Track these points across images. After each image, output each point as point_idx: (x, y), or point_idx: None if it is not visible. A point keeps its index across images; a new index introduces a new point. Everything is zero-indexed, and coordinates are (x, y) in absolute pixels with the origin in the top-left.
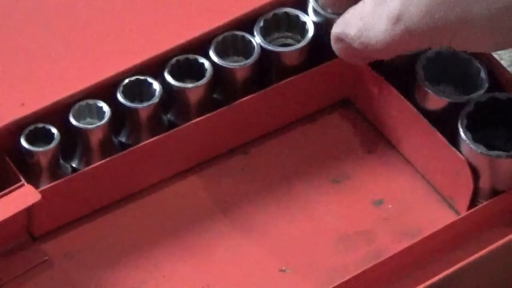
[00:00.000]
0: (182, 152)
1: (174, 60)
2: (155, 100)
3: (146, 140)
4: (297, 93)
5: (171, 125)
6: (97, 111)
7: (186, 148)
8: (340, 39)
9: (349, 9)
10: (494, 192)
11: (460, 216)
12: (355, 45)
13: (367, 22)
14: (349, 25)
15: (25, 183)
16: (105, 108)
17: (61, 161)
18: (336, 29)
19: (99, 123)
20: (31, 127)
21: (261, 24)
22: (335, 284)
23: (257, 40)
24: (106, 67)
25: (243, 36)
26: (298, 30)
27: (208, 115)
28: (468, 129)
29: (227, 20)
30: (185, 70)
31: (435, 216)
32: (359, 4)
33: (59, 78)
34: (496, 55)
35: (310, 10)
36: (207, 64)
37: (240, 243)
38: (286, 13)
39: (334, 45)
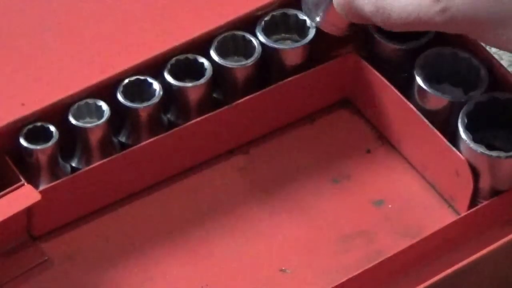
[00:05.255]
0: (182, 152)
1: (174, 60)
2: (155, 100)
3: (146, 140)
4: (297, 93)
5: (171, 125)
6: (96, 111)
7: (186, 148)
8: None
9: None
10: (494, 192)
11: (460, 216)
12: (370, 14)
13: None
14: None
15: (25, 183)
16: (104, 107)
17: (61, 160)
18: None
19: (98, 122)
20: (30, 126)
21: (262, 24)
22: (335, 284)
23: (260, 39)
24: (106, 67)
25: (243, 36)
26: (297, 30)
27: (208, 115)
28: (468, 129)
29: (227, 20)
30: (185, 70)
31: (435, 216)
32: None
33: (59, 78)
34: (496, 55)
35: None
36: (206, 63)
37: (240, 243)
38: (285, 14)
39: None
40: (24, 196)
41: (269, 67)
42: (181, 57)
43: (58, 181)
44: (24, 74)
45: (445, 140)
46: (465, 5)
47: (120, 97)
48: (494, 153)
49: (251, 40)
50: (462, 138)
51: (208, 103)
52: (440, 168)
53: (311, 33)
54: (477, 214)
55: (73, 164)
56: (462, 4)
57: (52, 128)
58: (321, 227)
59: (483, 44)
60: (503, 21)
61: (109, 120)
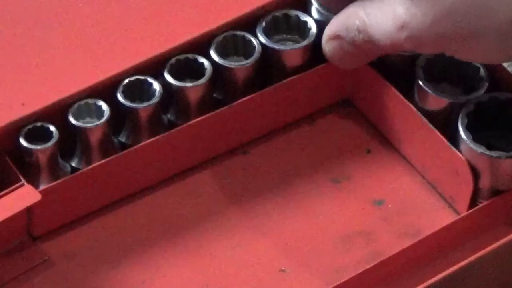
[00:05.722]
0: (182, 152)
1: (174, 60)
2: (155, 100)
3: (146, 140)
4: (297, 93)
5: (171, 125)
6: (96, 111)
7: (186, 148)
8: (336, 36)
9: (349, 6)
10: (494, 192)
11: (460, 216)
12: (357, 38)
13: (373, 18)
14: (352, 18)
15: (25, 183)
16: (104, 107)
17: (61, 160)
18: (332, 27)
19: (98, 122)
20: (30, 126)
21: (263, 24)
22: (335, 284)
23: (260, 39)
24: (106, 67)
25: (243, 36)
26: (298, 31)
27: (208, 115)
28: (468, 129)
29: (227, 20)
30: (185, 69)
31: (435, 216)
32: (362, 2)
33: (59, 78)
34: None
35: (313, 9)
36: (206, 63)
37: (240, 243)
38: (286, 14)
39: (327, 44)
40: (24, 196)
41: (269, 68)
42: (181, 57)
43: (58, 181)
44: (24, 74)
45: (445, 140)
46: (426, 30)
47: (120, 97)
48: (494, 153)
49: (251, 40)
50: (462, 138)
51: (208, 103)
52: (440, 168)
53: (312, 34)
54: (477, 214)
55: (73, 164)
56: (424, 29)
57: (52, 128)
58: (321, 227)
59: None
60: (469, 34)
61: (109, 120)
